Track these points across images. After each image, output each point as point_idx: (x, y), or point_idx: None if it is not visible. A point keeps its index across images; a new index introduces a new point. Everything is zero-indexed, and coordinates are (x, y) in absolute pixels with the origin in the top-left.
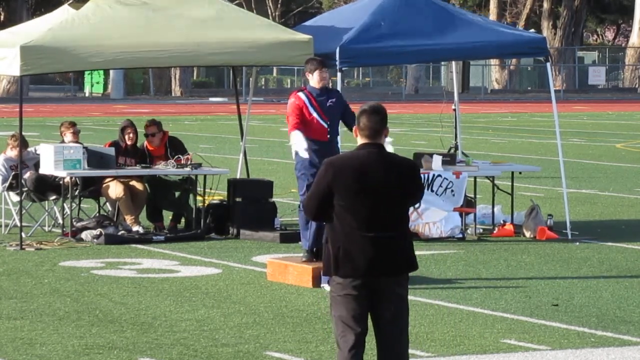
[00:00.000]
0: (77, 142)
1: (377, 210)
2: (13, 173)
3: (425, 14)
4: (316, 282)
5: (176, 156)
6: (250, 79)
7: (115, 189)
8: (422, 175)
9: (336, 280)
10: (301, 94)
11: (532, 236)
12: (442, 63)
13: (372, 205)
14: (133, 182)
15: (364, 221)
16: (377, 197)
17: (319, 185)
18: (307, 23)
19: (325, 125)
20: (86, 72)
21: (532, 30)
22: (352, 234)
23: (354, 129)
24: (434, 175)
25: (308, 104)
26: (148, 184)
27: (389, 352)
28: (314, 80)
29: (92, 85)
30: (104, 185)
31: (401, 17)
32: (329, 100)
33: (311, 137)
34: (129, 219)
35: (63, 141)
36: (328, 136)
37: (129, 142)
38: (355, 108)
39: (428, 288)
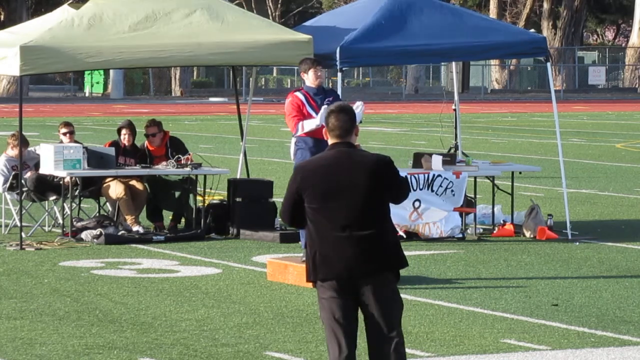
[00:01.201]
0: (72, 142)
1: (349, 210)
2: (14, 173)
3: (425, 13)
4: None
5: (176, 156)
6: (250, 79)
7: (115, 189)
8: (424, 176)
9: (318, 284)
10: (298, 94)
11: (532, 236)
12: (442, 63)
13: (343, 205)
14: (133, 182)
15: (336, 222)
16: (347, 196)
17: (289, 191)
18: (307, 23)
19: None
20: (86, 72)
21: (532, 30)
22: (326, 236)
23: (323, 130)
24: (434, 175)
25: (306, 103)
26: (148, 184)
27: (378, 352)
28: (310, 79)
29: (92, 85)
30: (104, 185)
31: (401, 17)
32: (327, 99)
33: (310, 135)
34: (129, 219)
35: (62, 141)
36: None
37: (126, 143)
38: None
39: (428, 288)
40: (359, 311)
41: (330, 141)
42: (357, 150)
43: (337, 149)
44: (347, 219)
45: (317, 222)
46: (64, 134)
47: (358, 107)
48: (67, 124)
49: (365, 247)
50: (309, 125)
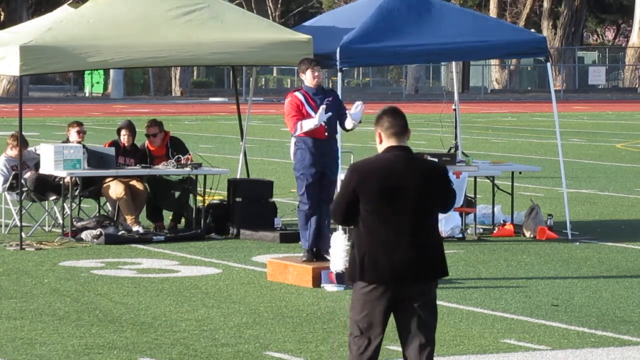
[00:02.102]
0: (80, 142)
1: (403, 215)
2: (13, 173)
3: (425, 13)
4: (316, 282)
5: (176, 156)
6: (250, 79)
7: (115, 189)
8: None
9: (361, 285)
10: (297, 94)
11: (532, 236)
12: (442, 63)
13: (398, 209)
14: (133, 182)
15: (390, 226)
16: (403, 201)
17: (344, 190)
18: (307, 23)
19: (323, 123)
20: (86, 72)
21: (532, 30)
22: (378, 238)
23: (376, 133)
24: None
25: (305, 103)
26: (148, 184)
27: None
28: (308, 79)
29: (92, 85)
30: (105, 185)
31: (401, 17)
32: (326, 99)
33: (309, 135)
34: (129, 219)
35: (68, 140)
36: (326, 134)
37: (125, 144)
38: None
39: None
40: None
41: (385, 142)
42: (414, 155)
43: (393, 152)
44: (400, 223)
45: (369, 224)
46: (77, 132)
47: (357, 106)
48: (80, 124)
49: (416, 253)
50: (308, 125)
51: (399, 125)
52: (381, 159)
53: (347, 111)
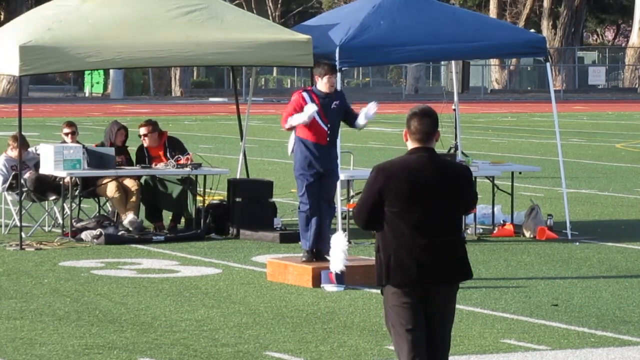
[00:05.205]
0: (74, 142)
1: (430, 216)
2: (13, 173)
3: (424, 13)
4: (316, 282)
5: (176, 156)
6: (250, 79)
7: (109, 189)
8: None
9: (391, 290)
10: (305, 94)
11: (532, 236)
12: (442, 63)
13: (424, 210)
14: (126, 181)
15: (416, 227)
16: (429, 202)
17: (369, 192)
18: (307, 23)
19: (326, 129)
20: (86, 72)
21: (532, 30)
22: (404, 240)
23: (403, 132)
24: None
25: (309, 102)
26: (147, 184)
27: (431, 357)
28: (322, 84)
29: (92, 86)
30: (102, 185)
31: (401, 17)
32: (333, 103)
33: (310, 139)
34: (122, 215)
35: (64, 141)
36: (327, 139)
37: (119, 142)
38: (356, 108)
39: None
40: None
41: (411, 144)
42: (439, 156)
43: (418, 154)
44: (427, 224)
45: (395, 226)
46: (66, 134)
47: (372, 109)
48: (70, 124)
49: (443, 255)
50: (297, 119)
51: (424, 132)
52: (405, 160)
53: (362, 109)
